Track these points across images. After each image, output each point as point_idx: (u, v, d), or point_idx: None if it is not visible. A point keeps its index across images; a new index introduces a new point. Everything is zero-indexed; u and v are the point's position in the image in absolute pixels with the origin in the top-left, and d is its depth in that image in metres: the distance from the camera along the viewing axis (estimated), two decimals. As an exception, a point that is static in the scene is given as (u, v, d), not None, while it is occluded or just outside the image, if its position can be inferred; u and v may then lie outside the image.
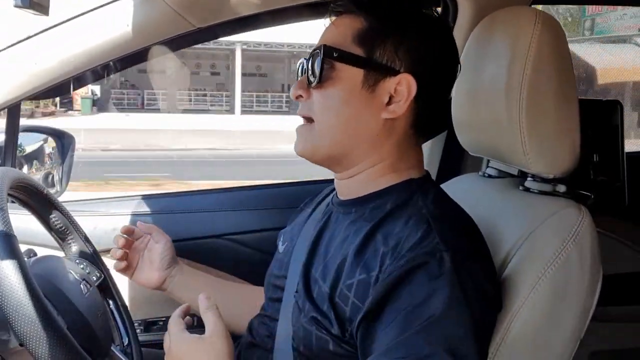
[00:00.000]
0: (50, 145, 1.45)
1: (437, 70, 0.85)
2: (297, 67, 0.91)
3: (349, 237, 0.82)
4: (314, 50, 0.84)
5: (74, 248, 1.04)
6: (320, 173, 1.00)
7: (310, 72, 0.84)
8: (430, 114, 0.86)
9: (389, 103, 0.82)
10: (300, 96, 0.86)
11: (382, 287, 0.73)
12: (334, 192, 0.93)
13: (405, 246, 0.75)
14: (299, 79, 0.88)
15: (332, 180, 0.94)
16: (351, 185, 0.88)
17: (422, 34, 0.84)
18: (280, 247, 1.02)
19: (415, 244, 0.74)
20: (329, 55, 0.82)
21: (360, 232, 0.80)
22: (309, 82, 0.84)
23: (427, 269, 0.72)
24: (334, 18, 0.88)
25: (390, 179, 0.85)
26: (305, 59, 0.87)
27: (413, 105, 0.82)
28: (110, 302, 1.06)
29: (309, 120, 0.86)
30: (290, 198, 1.54)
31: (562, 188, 0.90)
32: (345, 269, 0.79)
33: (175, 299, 1.14)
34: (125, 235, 1.11)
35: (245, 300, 1.13)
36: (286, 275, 0.93)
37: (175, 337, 0.81)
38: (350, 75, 0.82)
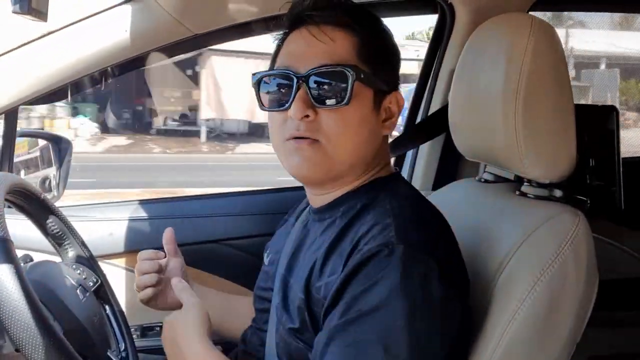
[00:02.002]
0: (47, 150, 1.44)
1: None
2: (259, 79, 0.83)
3: (322, 244, 0.82)
4: (328, 66, 0.78)
5: (71, 253, 1.04)
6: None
7: (319, 90, 0.78)
8: None
9: (384, 119, 0.85)
10: (307, 116, 0.79)
11: (339, 280, 0.74)
12: None
13: (365, 240, 0.75)
14: (297, 95, 0.79)
15: None
16: (326, 196, 0.87)
17: (396, 51, 0.87)
18: (266, 260, 1.03)
19: (372, 238, 0.75)
20: (358, 76, 0.78)
21: (330, 237, 0.81)
22: (318, 101, 0.78)
23: (377, 258, 0.72)
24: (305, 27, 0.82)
25: (361, 181, 0.86)
26: (288, 72, 0.80)
27: None
28: (107, 307, 1.05)
29: (312, 141, 0.80)
30: (285, 203, 1.53)
31: (558, 193, 0.91)
32: (314, 273, 0.80)
33: None
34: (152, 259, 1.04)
35: (247, 312, 1.11)
36: (272, 287, 0.94)
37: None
38: (365, 95, 0.81)
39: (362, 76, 0.79)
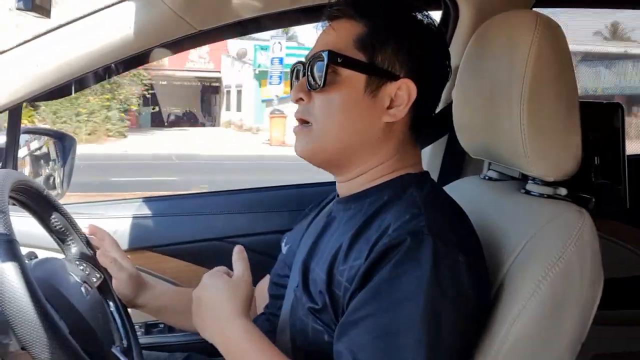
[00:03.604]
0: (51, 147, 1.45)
1: (434, 74, 0.87)
2: (292, 68, 0.93)
3: (347, 229, 0.84)
4: (316, 54, 0.84)
5: (74, 249, 1.04)
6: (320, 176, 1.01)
7: (311, 75, 0.85)
8: (427, 117, 0.89)
9: (389, 107, 0.84)
10: (301, 99, 0.87)
11: (367, 264, 0.75)
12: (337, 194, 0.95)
13: (393, 227, 0.77)
14: (298, 81, 0.89)
15: (333, 183, 0.94)
16: (351, 186, 0.90)
17: (420, 38, 0.86)
18: (284, 249, 1.04)
19: (401, 225, 0.76)
20: (333, 60, 0.82)
21: (357, 224, 0.82)
22: (310, 86, 0.85)
23: (406, 246, 0.73)
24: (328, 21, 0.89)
25: (389, 176, 0.87)
26: (303, 61, 0.89)
27: (411, 108, 0.85)
28: (111, 303, 1.06)
29: (306, 122, 0.87)
30: (291, 201, 1.54)
31: (563, 191, 0.90)
32: (339, 256, 0.81)
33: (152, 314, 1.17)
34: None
35: None
36: (289, 274, 0.95)
37: (210, 275, 0.87)
38: (353, 80, 0.84)
39: (339, 61, 0.82)
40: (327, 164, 0.89)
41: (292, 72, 0.93)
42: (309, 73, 0.85)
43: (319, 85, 0.83)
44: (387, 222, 0.78)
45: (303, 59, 0.90)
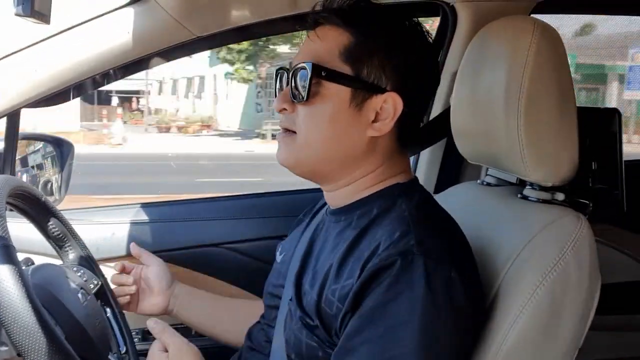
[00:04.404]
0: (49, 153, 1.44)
1: (421, 87, 0.85)
2: (276, 76, 0.89)
3: (338, 245, 0.83)
4: (299, 64, 0.82)
5: (72, 255, 1.04)
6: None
7: (294, 86, 0.82)
8: (414, 128, 0.87)
9: (374, 120, 0.82)
10: (285, 109, 0.84)
11: (358, 285, 0.74)
12: None
13: (382, 246, 0.76)
14: (283, 91, 0.86)
15: None
16: (339, 196, 0.88)
17: (407, 51, 0.83)
18: (278, 258, 1.03)
19: (391, 244, 0.75)
20: (317, 73, 0.80)
21: (347, 240, 0.81)
22: (294, 97, 0.83)
23: (397, 267, 0.72)
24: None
25: (377, 187, 0.86)
26: (287, 70, 0.86)
27: (398, 121, 0.82)
28: (108, 309, 1.05)
29: (291, 132, 0.85)
30: (288, 206, 1.54)
31: (560, 196, 0.90)
32: (330, 275, 0.80)
33: (182, 320, 1.16)
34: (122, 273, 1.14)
35: (240, 314, 1.14)
36: (283, 284, 0.94)
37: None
38: (338, 92, 0.81)
39: (323, 74, 0.80)
40: (311, 174, 0.87)
41: (276, 77, 0.90)
42: (292, 83, 0.82)
43: (303, 98, 0.81)
44: (377, 240, 0.77)
45: (283, 68, 0.88)
